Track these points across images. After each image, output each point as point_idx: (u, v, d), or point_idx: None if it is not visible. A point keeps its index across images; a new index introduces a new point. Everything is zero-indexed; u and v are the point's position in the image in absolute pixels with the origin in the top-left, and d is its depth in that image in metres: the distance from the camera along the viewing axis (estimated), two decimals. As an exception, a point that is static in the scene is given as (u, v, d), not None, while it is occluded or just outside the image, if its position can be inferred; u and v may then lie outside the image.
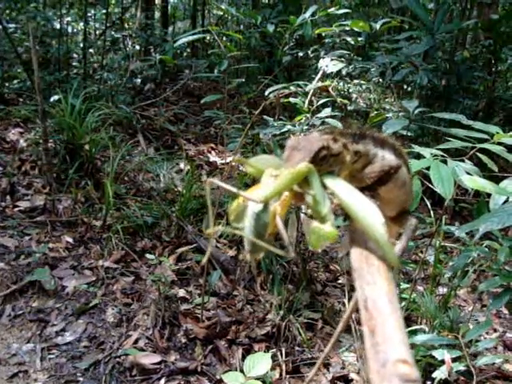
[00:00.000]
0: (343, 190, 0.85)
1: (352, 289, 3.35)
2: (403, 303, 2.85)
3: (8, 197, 4.16)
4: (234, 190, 0.79)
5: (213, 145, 6.18)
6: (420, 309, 2.88)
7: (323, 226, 0.81)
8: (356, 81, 6.88)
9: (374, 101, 6.76)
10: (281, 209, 0.81)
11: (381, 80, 6.90)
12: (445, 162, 2.05)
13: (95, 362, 2.77)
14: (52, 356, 2.81)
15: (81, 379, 2.67)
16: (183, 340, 2.95)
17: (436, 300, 2.97)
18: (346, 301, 2.95)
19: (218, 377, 2.71)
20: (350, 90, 7.07)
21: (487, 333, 3.43)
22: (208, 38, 9.02)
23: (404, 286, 3.10)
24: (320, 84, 2.89)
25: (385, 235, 0.80)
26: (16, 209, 4.04)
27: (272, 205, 0.81)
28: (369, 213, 0.82)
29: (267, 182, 0.82)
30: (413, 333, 2.61)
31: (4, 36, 7.19)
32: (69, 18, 8.96)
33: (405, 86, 6.38)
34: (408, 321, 3.07)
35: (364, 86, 7.11)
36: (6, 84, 7.20)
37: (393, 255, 0.80)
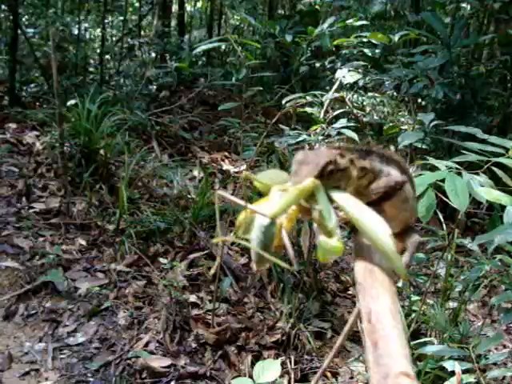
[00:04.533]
0: (350, 203, 0.87)
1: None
2: (413, 315, 2.85)
3: (24, 198, 4.21)
4: (243, 203, 0.82)
5: (226, 153, 6.21)
6: (430, 322, 2.88)
7: (330, 240, 0.82)
8: (370, 93, 6.90)
9: (388, 114, 6.78)
10: (287, 222, 0.83)
11: (395, 94, 6.92)
12: (460, 174, 2.06)
13: (106, 364, 2.80)
14: (63, 356, 2.84)
15: (91, 380, 2.70)
16: (193, 345, 2.97)
17: (446, 314, 2.97)
18: (355, 310, 2.95)
19: (226, 382, 2.73)
20: (365, 103, 7.08)
21: (497, 349, 3.43)
22: (223, 47, 9.08)
23: (414, 298, 3.11)
24: (336, 94, 2.91)
25: (393, 246, 0.82)
26: (31, 210, 4.08)
27: (279, 218, 0.83)
28: (376, 225, 0.84)
29: (275, 197, 0.85)
30: (423, 345, 2.62)
31: (23, 40, 7.28)
32: (87, 24, 9.06)
33: (419, 100, 6.39)
34: (418, 334, 3.08)
35: (378, 99, 7.13)
36: (24, 88, 7.28)
37: (401, 266, 0.82)
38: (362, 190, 1.01)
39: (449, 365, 2.08)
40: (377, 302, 0.76)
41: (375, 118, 6.75)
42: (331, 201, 0.88)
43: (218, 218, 0.89)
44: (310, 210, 0.85)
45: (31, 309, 3.14)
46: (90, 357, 2.85)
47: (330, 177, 0.90)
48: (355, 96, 6.39)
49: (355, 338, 3.08)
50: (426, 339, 2.81)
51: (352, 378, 2.87)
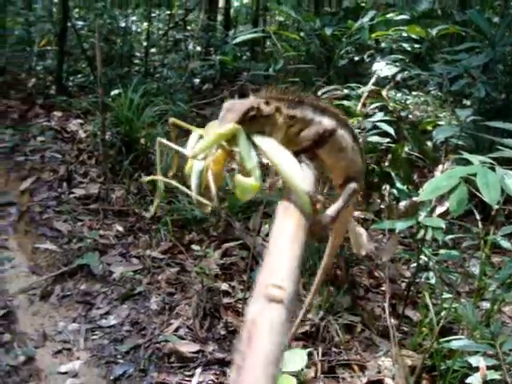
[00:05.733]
0: (269, 146, 0.95)
1: (393, 296, 3.34)
2: (443, 313, 2.82)
3: (65, 183, 4.32)
4: (176, 147, 0.94)
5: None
6: (461, 319, 2.85)
7: (246, 179, 0.90)
8: (414, 92, 6.82)
9: (432, 113, 6.69)
10: (214, 164, 0.91)
11: (439, 93, 6.82)
12: (493, 169, 2.03)
13: (135, 346, 2.85)
14: (95, 337, 2.90)
15: (121, 361, 2.75)
16: (222, 332, 3.00)
17: (479, 313, 2.93)
18: (386, 306, 2.94)
19: (253, 370, 2.74)
20: (408, 102, 7.00)
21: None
22: (268, 43, 9.09)
23: (446, 295, 3.07)
24: (373, 87, 2.90)
25: (301, 184, 0.91)
26: (71, 195, 4.18)
27: (206, 161, 0.93)
28: (289, 165, 0.92)
29: (193, 140, 0.96)
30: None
31: (72, 32, 7.43)
32: (134, 18, 9.20)
33: (464, 101, 6.29)
34: (449, 333, 3.04)
35: (422, 99, 7.04)
36: (71, 78, 7.43)
37: (306, 201, 0.90)
38: (294, 138, 1.09)
39: (474, 360, 2.06)
40: (279, 230, 0.85)
41: (418, 116, 6.68)
42: (254, 145, 0.95)
43: (158, 163, 0.97)
44: (234, 152, 0.94)
45: (67, 290, 3.22)
46: (121, 339, 2.91)
47: (253, 122, 0.97)
48: (399, 94, 6.32)
49: (384, 332, 3.06)
50: (456, 337, 2.78)
51: (379, 372, 2.85)
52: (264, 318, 0.68)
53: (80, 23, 8.35)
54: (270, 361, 0.64)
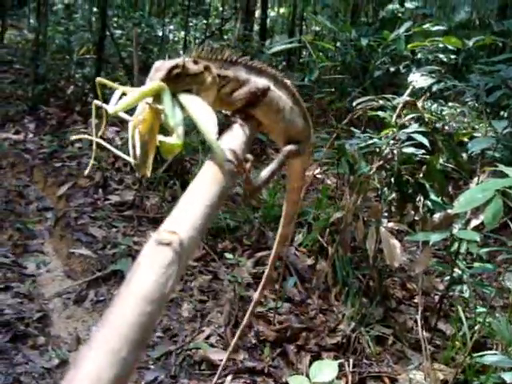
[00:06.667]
0: (191, 104, 0.95)
1: (426, 309, 3.31)
2: (476, 327, 2.79)
3: (100, 190, 4.38)
4: (102, 104, 0.90)
5: (300, 156, 6.20)
6: (495, 333, 2.81)
7: (168, 138, 0.91)
8: (451, 103, 6.76)
9: (468, 124, 6.62)
10: (142, 124, 0.91)
11: (476, 104, 6.74)
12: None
13: (167, 353, 2.87)
14: (127, 342, 2.93)
15: (152, 367, 2.78)
16: (253, 341, 3.00)
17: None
18: (418, 318, 2.91)
19: (283, 379, 2.74)
20: (444, 113, 6.94)
21: None
22: (304, 53, 9.11)
23: (480, 310, 3.03)
24: (408, 99, 2.89)
25: (215, 141, 0.92)
26: (107, 202, 4.24)
27: (135, 120, 0.92)
28: (204, 118, 0.93)
29: (116, 97, 0.94)
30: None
31: (110, 41, 7.55)
32: (171, 27, 9.31)
33: (501, 112, 6.20)
34: (483, 348, 3.00)
35: (458, 110, 6.97)
36: (108, 86, 7.54)
37: (219, 151, 0.92)
38: (226, 99, 1.10)
39: (508, 376, 2.03)
40: (196, 182, 0.89)
41: (454, 127, 6.62)
42: (181, 104, 0.95)
43: (93, 124, 0.97)
44: (160, 111, 0.93)
45: (100, 295, 3.26)
46: (153, 345, 2.93)
47: (179, 81, 0.98)
48: (435, 105, 6.27)
49: (416, 345, 3.03)
50: (490, 352, 2.74)
51: (410, 385, 2.83)
52: (148, 260, 0.70)
53: (118, 32, 8.49)
54: (148, 300, 0.64)
